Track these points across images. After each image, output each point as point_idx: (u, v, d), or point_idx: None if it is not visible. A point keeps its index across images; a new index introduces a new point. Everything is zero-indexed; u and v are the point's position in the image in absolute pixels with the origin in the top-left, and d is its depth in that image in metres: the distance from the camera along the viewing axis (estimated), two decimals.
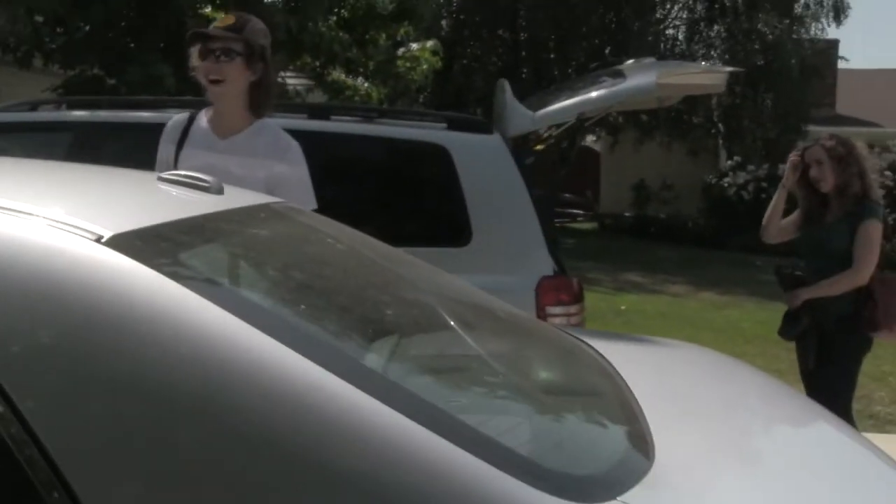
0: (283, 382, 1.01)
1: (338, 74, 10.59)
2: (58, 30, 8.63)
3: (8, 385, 0.94)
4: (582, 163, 19.92)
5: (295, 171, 2.72)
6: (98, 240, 1.09)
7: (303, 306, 1.34)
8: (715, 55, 18.15)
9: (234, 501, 0.97)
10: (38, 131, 3.84)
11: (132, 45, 8.68)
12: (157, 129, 2.87)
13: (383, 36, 10.95)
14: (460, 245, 3.50)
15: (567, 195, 18.27)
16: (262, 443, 0.98)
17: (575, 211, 18.71)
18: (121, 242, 1.10)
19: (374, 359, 1.25)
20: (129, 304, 1.04)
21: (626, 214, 19.32)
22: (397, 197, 3.73)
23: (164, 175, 1.67)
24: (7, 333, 1.00)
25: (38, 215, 1.13)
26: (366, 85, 10.70)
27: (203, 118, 2.81)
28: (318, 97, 10.74)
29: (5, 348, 0.99)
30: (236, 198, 1.67)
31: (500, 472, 0.99)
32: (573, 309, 3.54)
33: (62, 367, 0.99)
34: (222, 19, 2.78)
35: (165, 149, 2.79)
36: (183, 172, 1.66)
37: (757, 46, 17.71)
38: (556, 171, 14.90)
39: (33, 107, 4.08)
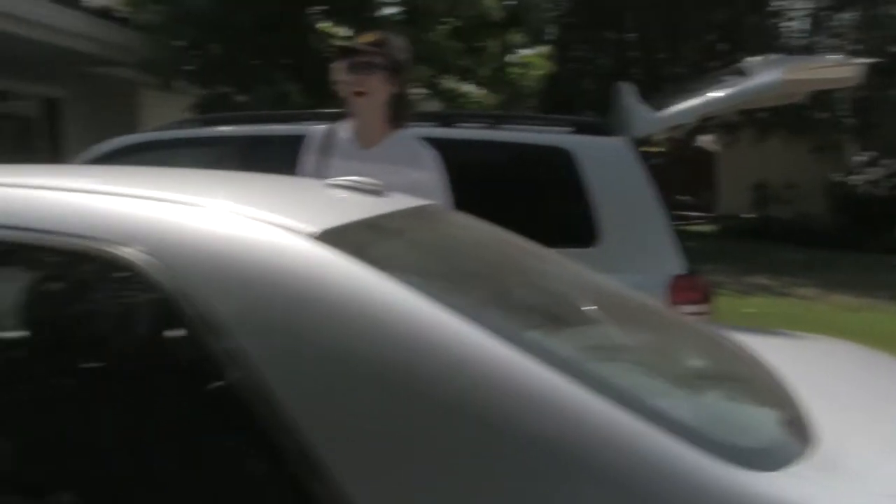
0: (483, 363, 1.13)
1: (452, 83, 10.80)
2: (195, 53, 9.20)
3: (259, 373, 1.10)
4: (696, 163, 19.47)
5: (432, 177, 2.87)
6: (311, 236, 1.25)
7: (487, 294, 1.46)
8: (843, 45, 17.29)
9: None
10: (193, 146, 4.16)
11: (259, 63, 9.16)
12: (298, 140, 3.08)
13: (494, 43, 11.09)
14: (588, 245, 3.57)
15: (683, 197, 17.89)
16: (460, 413, 1.10)
17: (693, 213, 18.29)
18: (330, 238, 1.25)
19: (557, 343, 1.36)
20: (344, 294, 1.18)
21: (747, 216, 18.73)
22: (524, 199, 3.83)
23: (332, 181, 1.83)
24: (244, 326, 1.16)
25: (255, 217, 1.29)
26: (479, 92, 10.86)
27: (343, 129, 3.00)
28: (432, 106, 10.98)
29: (245, 339, 1.15)
30: (398, 200, 1.81)
31: (677, 440, 1.08)
32: (704, 308, 3.56)
33: (292, 355, 1.15)
34: (365, 36, 2.97)
35: (309, 159, 2.98)
36: (348, 178, 1.82)
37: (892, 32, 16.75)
38: (671, 172, 14.64)
39: (188, 123, 4.44)
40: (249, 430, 1.11)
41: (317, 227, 1.27)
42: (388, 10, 10.19)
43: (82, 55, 8.30)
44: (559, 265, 1.99)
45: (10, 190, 1.38)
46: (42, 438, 1.28)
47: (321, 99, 8.57)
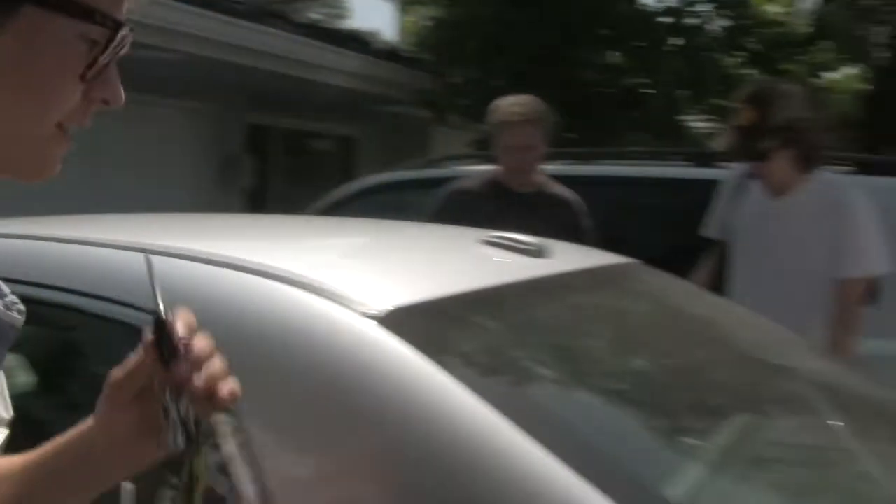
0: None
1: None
2: (471, 89, 9.38)
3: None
4: None
5: (848, 229, 2.49)
6: (368, 316, 1.00)
7: (593, 388, 1.10)
8: None
9: None
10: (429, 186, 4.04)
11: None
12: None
13: (798, 66, 10.02)
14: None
15: None
16: None
17: None
18: (392, 320, 1.00)
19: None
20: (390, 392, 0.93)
21: None
22: None
23: (486, 236, 1.56)
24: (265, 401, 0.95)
25: (312, 286, 1.06)
26: None
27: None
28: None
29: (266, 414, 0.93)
30: (561, 262, 1.48)
31: None
32: None
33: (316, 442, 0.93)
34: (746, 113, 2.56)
35: (720, 206, 2.77)
36: (505, 234, 1.53)
37: None
38: None
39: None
40: None
41: (384, 305, 1.02)
42: (675, 40, 9.56)
43: (373, 95, 8.79)
44: (781, 348, 1.52)
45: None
46: None
47: (595, 134, 8.23)
